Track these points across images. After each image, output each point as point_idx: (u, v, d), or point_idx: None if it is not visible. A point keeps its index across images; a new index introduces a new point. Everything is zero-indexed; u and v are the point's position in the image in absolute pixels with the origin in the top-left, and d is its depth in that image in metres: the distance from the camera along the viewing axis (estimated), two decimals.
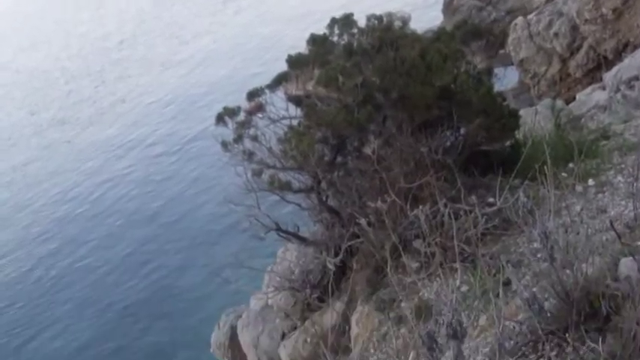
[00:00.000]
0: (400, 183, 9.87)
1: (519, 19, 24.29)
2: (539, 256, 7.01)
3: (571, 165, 10.37)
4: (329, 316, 11.65)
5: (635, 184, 7.83)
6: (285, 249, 13.56)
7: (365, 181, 10.80)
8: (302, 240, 12.33)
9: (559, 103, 15.76)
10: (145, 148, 39.97)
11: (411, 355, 8.31)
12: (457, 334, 5.43)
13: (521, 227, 7.74)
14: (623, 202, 8.92)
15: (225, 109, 11.52)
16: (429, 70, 10.51)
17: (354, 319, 10.68)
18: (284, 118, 11.64)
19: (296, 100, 11.52)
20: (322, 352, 7.88)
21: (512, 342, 6.25)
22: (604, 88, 16.08)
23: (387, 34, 11.40)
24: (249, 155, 11.44)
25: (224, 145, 11.40)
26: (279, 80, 11.83)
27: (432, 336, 5.47)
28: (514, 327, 6.41)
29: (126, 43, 65.45)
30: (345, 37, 11.90)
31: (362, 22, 12.01)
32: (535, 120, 12.96)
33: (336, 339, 10.72)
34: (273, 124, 11.63)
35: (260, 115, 11.55)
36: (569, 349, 5.55)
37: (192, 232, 29.68)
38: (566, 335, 5.60)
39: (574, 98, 18.14)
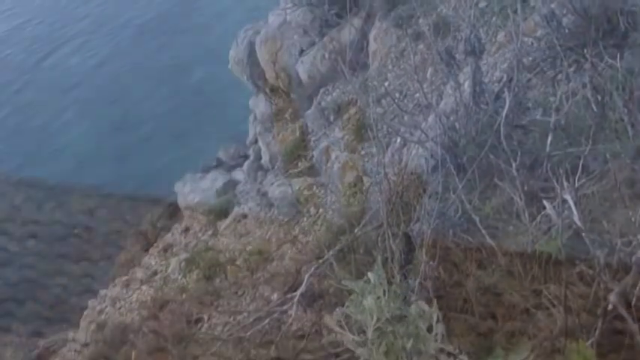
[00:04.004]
0: None
1: None
2: None
3: None
4: (347, 32, 11.67)
5: None
6: None
7: None
8: None
9: None
10: None
11: (429, 71, 8.45)
12: (475, 50, 5.49)
13: None
14: None
15: None
16: None
17: (372, 35, 10.72)
18: None
19: None
20: (340, 68, 8.00)
21: (530, 58, 6.32)
22: None
23: None
24: None
25: None
26: None
27: (450, 52, 5.54)
28: (532, 43, 6.45)
29: None
30: None
31: None
32: None
33: (354, 55, 10.81)
34: None
35: None
36: (587, 66, 5.59)
37: None
38: (584, 51, 5.63)
39: None
